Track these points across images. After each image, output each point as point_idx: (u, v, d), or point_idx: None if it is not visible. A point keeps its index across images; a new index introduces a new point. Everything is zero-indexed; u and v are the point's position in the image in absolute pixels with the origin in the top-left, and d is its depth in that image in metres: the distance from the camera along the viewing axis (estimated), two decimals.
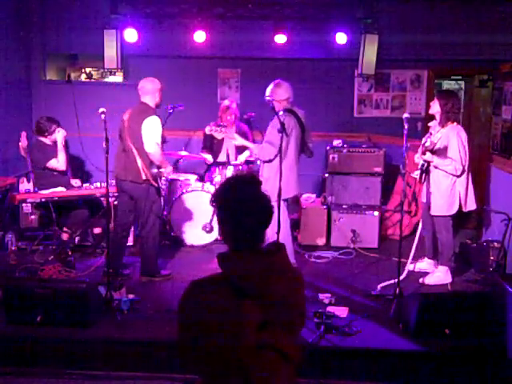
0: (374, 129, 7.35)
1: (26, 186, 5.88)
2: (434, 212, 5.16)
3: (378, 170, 6.49)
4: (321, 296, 4.80)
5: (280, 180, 4.81)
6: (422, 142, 5.08)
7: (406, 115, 4.65)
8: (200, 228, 6.13)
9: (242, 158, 6.40)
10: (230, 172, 6.16)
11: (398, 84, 7.43)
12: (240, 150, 6.42)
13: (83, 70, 8.23)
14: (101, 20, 6.83)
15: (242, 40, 7.01)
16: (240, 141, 5.67)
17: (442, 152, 5.03)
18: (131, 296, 4.62)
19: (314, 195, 6.77)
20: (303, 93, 7.28)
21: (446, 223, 5.15)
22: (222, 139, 6.56)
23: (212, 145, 6.58)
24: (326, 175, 6.59)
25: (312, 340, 4.03)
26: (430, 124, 5.28)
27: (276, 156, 5.12)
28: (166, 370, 3.82)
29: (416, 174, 5.20)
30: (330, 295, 4.80)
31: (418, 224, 5.46)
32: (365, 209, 6.36)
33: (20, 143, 5.87)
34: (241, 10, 6.81)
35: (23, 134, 5.87)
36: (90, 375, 3.90)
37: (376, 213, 6.31)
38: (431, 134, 5.18)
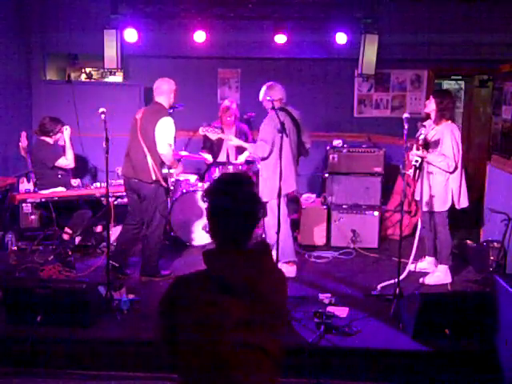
0: (374, 129, 7.36)
1: (26, 185, 5.88)
2: (425, 208, 5.19)
3: (378, 170, 6.49)
4: (321, 296, 4.80)
5: (280, 180, 4.81)
6: (416, 136, 5.12)
7: (405, 115, 4.66)
8: (200, 228, 6.13)
9: (242, 158, 6.39)
10: (230, 172, 6.16)
11: (398, 84, 7.44)
12: (240, 150, 6.41)
13: (83, 70, 8.23)
14: (101, 20, 6.83)
15: (242, 40, 7.01)
16: (236, 141, 5.73)
17: (435, 148, 5.05)
18: (131, 296, 4.62)
19: (313, 195, 6.77)
20: (303, 93, 7.32)
21: (441, 220, 5.17)
22: (222, 140, 6.57)
23: (212, 145, 6.58)
24: (326, 175, 6.59)
25: (312, 340, 4.03)
26: (424, 123, 5.29)
27: (270, 153, 5.20)
28: (166, 370, 3.82)
29: (410, 171, 5.22)
30: (330, 295, 4.81)
31: (417, 224, 5.45)
32: (365, 209, 6.36)
33: (20, 143, 5.87)
34: (241, 10, 6.81)
35: (23, 134, 5.87)
36: (90, 375, 3.91)
37: (376, 213, 6.31)
38: (424, 126, 5.21)
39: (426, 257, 5.53)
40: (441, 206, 5.11)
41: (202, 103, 7.30)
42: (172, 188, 5.88)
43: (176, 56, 7.27)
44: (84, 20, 7.07)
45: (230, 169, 6.21)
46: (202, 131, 5.69)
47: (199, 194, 6.11)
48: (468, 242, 5.86)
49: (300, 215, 6.41)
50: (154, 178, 4.86)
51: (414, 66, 7.34)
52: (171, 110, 6.05)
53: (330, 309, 4.53)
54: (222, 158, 6.54)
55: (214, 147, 6.59)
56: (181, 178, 6.42)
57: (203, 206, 6.00)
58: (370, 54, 6.78)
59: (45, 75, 7.50)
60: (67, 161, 5.80)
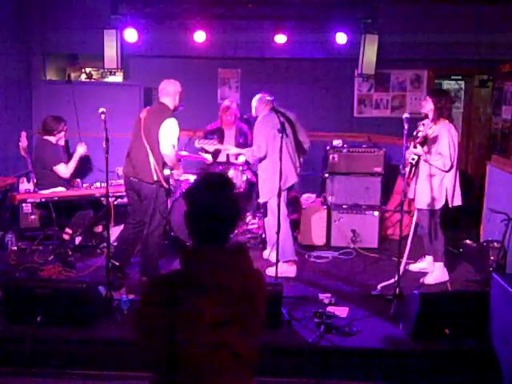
0: (374, 129, 7.35)
1: (26, 185, 5.88)
2: (419, 205, 5.20)
3: (378, 170, 6.49)
4: (321, 296, 4.80)
5: (280, 179, 4.82)
6: (415, 132, 5.14)
7: (405, 115, 4.66)
8: None
9: (243, 157, 6.38)
10: (230, 172, 6.16)
11: (398, 84, 7.44)
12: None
13: (83, 70, 8.24)
14: (101, 20, 6.83)
15: (242, 40, 7.02)
16: (233, 150, 5.86)
17: (432, 147, 5.06)
18: (131, 296, 4.62)
19: (313, 195, 6.76)
20: (303, 93, 7.33)
21: (435, 218, 5.18)
22: (222, 139, 6.58)
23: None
24: (326, 175, 6.59)
25: (312, 340, 4.03)
26: (423, 122, 5.29)
27: (266, 153, 5.26)
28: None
29: (407, 169, 5.22)
30: (330, 295, 4.81)
31: (416, 224, 5.45)
32: (365, 209, 6.36)
33: (20, 143, 5.87)
34: (241, 10, 6.82)
35: (23, 133, 5.87)
36: (90, 375, 3.91)
37: (376, 213, 6.31)
38: (423, 124, 5.22)
39: (426, 256, 5.53)
40: (434, 204, 5.12)
41: (202, 103, 7.30)
42: (172, 188, 5.88)
43: (176, 56, 7.27)
44: (84, 20, 7.07)
45: (231, 169, 6.19)
46: (198, 144, 5.76)
47: None
48: (468, 241, 5.86)
49: (300, 215, 6.41)
50: (155, 178, 4.86)
51: (414, 65, 7.34)
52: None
53: (329, 309, 4.53)
54: (221, 158, 6.54)
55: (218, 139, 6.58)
56: (181, 178, 6.42)
57: None
58: (370, 54, 6.78)
59: (45, 75, 7.50)
60: (66, 169, 5.75)
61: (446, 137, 5.04)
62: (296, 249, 5.62)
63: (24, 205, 5.73)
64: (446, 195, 5.12)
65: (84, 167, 7.12)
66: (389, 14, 6.99)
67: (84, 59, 8.14)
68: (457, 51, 7.04)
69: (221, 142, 6.58)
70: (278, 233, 4.83)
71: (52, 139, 5.84)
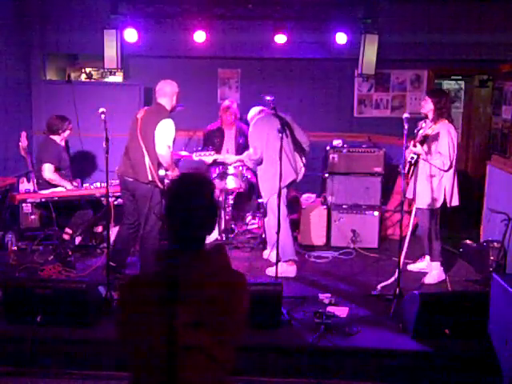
0: (374, 129, 7.35)
1: (26, 185, 5.88)
2: (419, 205, 5.20)
3: (378, 170, 6.49)
4: (321, 296, 4.80)
5: (280, 179, 4.82)
6: (416, 130, 5.16)
7: (405, 115, 4.66)
8: None
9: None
10: (230, 172, 6.15)
11: (398, 84, 7.44)
12: (240, 150, 6.41)
13: (83, 70, 8.23)
14: (101, 20, 6.83)
15: (242, 40, 7.02)
16: (232, 158, 5.93)
17: (431, 146, 5.06)
18: None
19: (313, 195, 6.76)
20: (303, 93, 7.33)
21: (432, 217, 5.18)
22: (223, 139, 6.59)
23: (212, 145, 6.58)
24: (326, 175, 6.59)
25: (312, 340, 4.03)
26: (424, 121, 5.29)
27: (262, 154, 5.30)
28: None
29: (406, 168, 5.22)
30: (329, 295, 4.81)
31: (416, 225, 5.46)
32: (365, 209, 6.36)
33: (20, 143, 5.87)
34: (241, 10, 6.82)
35: (23, 134, 5.86)
36: (90, 375, 3.90)
37: (376, 213, 6.31)
38: (424, 121, 5.22)
39: (426, 256, 5.53)
40: (432, 203, 5.13)
41: (202, 103, 7.30)
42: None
43: (176, 56, 7.28)
44: (84, 20, 7.07)
45: (231, 169, 6.18)
46: (195, 157, 5.78)
47: None
48: (468, 241, 5.86)
49: (300, 215, 6.41)
50: (150, 178, 4.84)
51: (414, 66, 7.34)
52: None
53: (329, 309, 4.53)
54: None
55: (214, 148, 6.58)
56: None
57: None
58: (370, 54, 6.78)
59: (45, 75, 7.50)
60: (49, 173, 5.64)
61: (446, 136, 5.04)
62: (296, 249, 5.62)
63: (24, 205, 5.73)
64: (445, 195, 5.13)
65: (87, 167, 7.13)
66: (389, 14, 6.99)
67: (84, 59, 8.14)
68: (457, 51, 7.04)
69: (221, 142, 6.59)
70: (278, 233, 4.83)
71: (57, 138, 5.84)
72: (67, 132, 5.88)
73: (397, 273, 4.74)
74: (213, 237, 6.14)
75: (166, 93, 4.98)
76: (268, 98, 5.21)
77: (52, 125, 5.83)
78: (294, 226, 6.05)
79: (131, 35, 6.73)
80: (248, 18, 6.92)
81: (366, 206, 6.39)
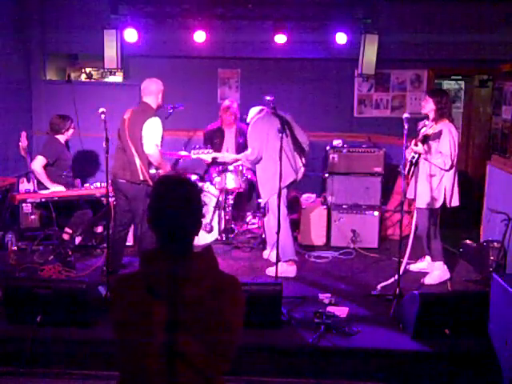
0: (374, 129, 7.35)
1: (26, 185, 5.88)
2: (419, 205, 5.21)
3: (378, 170, 6.48)
4: (321, 296, 4.80)
5: (280, 180, 4.83)
6: (418, 128, 5.16)
7: (406, 115, 4.66)
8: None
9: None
10: (230, 172, 6.15)
11: (398, 84, 7.44)
12: (240, 150, 6.42)
13: (83, 70, 8.23)
14: (101, 20, 6.83)
15: (242, 40, 7.02)
16: (229, 157, 5.94)
17: (432, 146, 5.06)
18: None
19: (313, 195, 6.76)
20: (303, 93, 7.33)
21: (431, 217, 5.18)
22: (223, 139, 6.59)
23: (212, 145, 6.58)
24: (326, 175, 6.59)
25: (312, 340, 4.03)
26: (425, 120, 5.28)
27: (261, 155, 5.29)
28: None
29: (406, 168, 5.22)
30: (329, 295, 4.81)
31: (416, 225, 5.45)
32: (365, 209, 6.36)
33: (20, 143, 5.87)
34: (241, 10, 6.82)
35: (23, 133, 5.86)
36: (90, 375, 3.91)
37: (376, 213, 6.31)
38: (426, 120, 5.22)
39: (426, 256, 5.53)
40: (433, 203, 5.12)
41: (202, 103, 7.30)
42: None
43: (176, 56, 7.28)
44: (84, 20, 7.07)
45: (231, 169, 6.18)
46: (193, 155, 5.78)
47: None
48: (468, 241, 5.86)
49: (300, 215, 6.41)
50: (141, 178, 4.82)
51: (414, 66, 7.34)
52: (171, 110, 6.08)
53: (329, 309, 4.53)
54: (222, 158, 6.53)
55: (214, 148, 6.58)
56: None
57: (203, 206, 5.99)
58: (370, 53, 6.78)
59: (45, 75, 7.50)
60: (39, 167, 5.59)
61: (447, 136, 5.04)
62: (296, 249, 5.62)
63: (24, 205, 5.73)
64: (445, 195, 5.12)
65: (87, 167, 7.14)
66: (389, 13, 7.00)
67: (84, 59, 8.14)
68: (457, 51, 7.04)
69: (221, 142, 6.59)
70: (278, 233, 4.83)
71: (61, 138, 5.84)
72: (70, 131, 5.88)
73: (401, 272, 4.74)
74: (213, 237, 6.14)
75: (152, 91, 4.95)
76: (268, 98, 5.21)
77: (54, 125, 5.82)
78: (294, 226, 6.05)
79: (131, 35, 6.73)
80: (248, 18, 6.92)
81: (366, 205, 6.39)
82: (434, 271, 5.26)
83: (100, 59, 6.90)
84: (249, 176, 6.31)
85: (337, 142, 6.67)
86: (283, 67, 7.34)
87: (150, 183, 4.87)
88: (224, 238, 6.25)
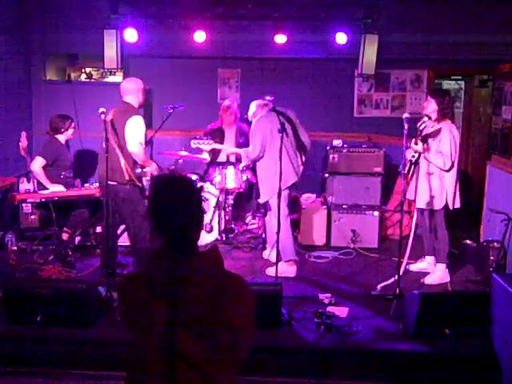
0: (374, 129, 7.36)
1: (26, 185, 5.88)
2: (419, 205, 5.20)
3: (378, 170, 6.48)
4: (321, 296, 4.80)
5: (280, 180, 4.82)
6: (417, 125, 5.11)
7: (406, 115, 4.66)
8: None
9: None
10: (230, 171, 6.14)
11: (398, 84, 7.44)
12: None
13: (83, 70, 8.23)
14: (101, 20, 6.83)
15: (242, 40, 7.02)
16: (230, 149, 5.88)
17: (433, 146, 5.05)
18: None
19: (313, 195, 6.76)
20: (303, 93, 7.33)
21: (437, 218, 5.18)
22: (223, 139, 6.58)
23: None
24: (326, 175, 6.59)
25: (312, 340, 4.03)
26: (424, 118, 5.25)
27: (262, 154, 5.27)
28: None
29: (406, 168, 5.21)
30: (329, 295, 4.81)
31: (416, 225, 5.45)
32: (365, 209, 6.36)
33: (20, 143, 5.87)
34: (241, 10, 6.81)
35: (23, 134, 5.87)
36: (90, 375, 3.91)
37: (376, 213, 6.31)
38: (430, 117, 5.18)
39: (426, 257, 5.53)
40: (436, 204, 5.12)
41: (202, 103, 7.30)
42: (147, 187, 5.82)
43: (176, 56, 7.28)
44: (84, 20, 7.07)
45: (231, 169, 6.17)
46: (193, 144, 5.76)
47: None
48: (468, 241, 5.86)
49: (300, 215, 6.41)
50: (127, 178, 4.79)
51: (414, 66, 7.34)
52: (171, 110, 6.06)
53: (329, 309, 4.53)
54: (221, 158, 6.54)
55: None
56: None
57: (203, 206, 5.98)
58: (370, 54, 6.78)
59: (45, 75, 7.50)
60: (37, 167, 5.61)
61: (448, 136, 5.03)
62: (296, 249, 5.62)
63: (24, 205, 5.73)
64: (446, 197, 5.11)
65: (87, 167, 7.12)
66: (389, 13, 6.99)
67: (84, 59, 8.14)
68: (457, 51, 7.04)
69: (221, 142, 6.58)
70: (278, 233, 4.83)
71: (61, 138, 5.84)
72: (70, 131, 5.87)
73: (401, 272, 4.74)
74: (213, 237, 6.13)
75: (131, 90, 4.92)
76: (268, 97, 5.21)
77: (53, 124, 5.83)
78: (294, 225, 6.04)
79: (131, 35, 6.73)
80: (248, 18, 6.92)
81: (366, 205, 6.39)
82: (435, 272, 5.26)
83: (100, 59, 6.90)
84: (249, 176, 6.31)
85: (337, 142, 6.67)
86: (283, 67, 7.34)
87: (137, 182, 4.85)
88: (224, 238, 6.25)
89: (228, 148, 5.97)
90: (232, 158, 6.48)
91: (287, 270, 5.31)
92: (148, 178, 5.45)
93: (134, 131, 4.76)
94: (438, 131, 5.06)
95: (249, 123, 6.73)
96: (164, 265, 1.89)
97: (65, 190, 5.70)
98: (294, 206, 6.38)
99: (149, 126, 7.35)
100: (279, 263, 4.98)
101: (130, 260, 5.43)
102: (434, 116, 5.14)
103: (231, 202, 6.29)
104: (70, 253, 5.56)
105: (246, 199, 6.85)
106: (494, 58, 6.89)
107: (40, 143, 6.35)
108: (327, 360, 3.98)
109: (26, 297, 4.15)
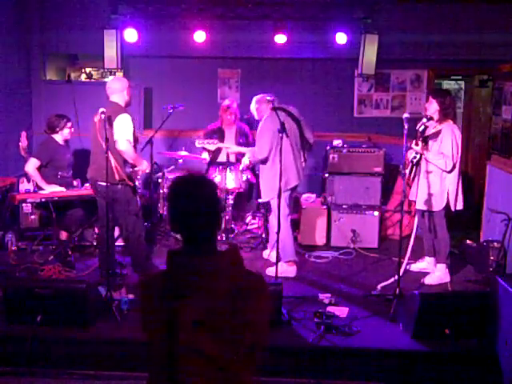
0: (374, 129, 7.36)
1: (26, 185, 5.87)
2: (418, 206, 5.19)
3: (378, 170, 6.48)
4: (321, 296, 4.80)
5: (280, 180, 4.82)
6: (417, 127, 5.09)
7: (405, 115, 4.66)
8: None
9: (246, 161, 6.26)
10: (230, 172, 6.15)
11: (398, 84, 7.44)
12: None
13: (83, 70, 8.23)
14: (101, 20, 6.83)
15: (242, 40, 7.02)
16: (234, 148, 5.87)
17: (434, 146, 5.05)
18: (131, 296, 4.62)
19: (313, 195, 6.76)
20: (303, 93, 7.33)
21: (438, 219, 5.17)
22: (223, 139, 6.58)
23: None
24: (326, 175, 6.59)
25: (312, 340, 4.03)
26: (427, 122, 5.24)
27: (269, 155, 5.22)
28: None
29: (407, 170, 5.20)
30: (329, 295, 4.81)
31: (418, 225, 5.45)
32: (365, 209, 6.36)
33: (20, 143, 5.86)
34: (241, 10, 6.82)
35: (23, 134, 5.86)
36: (90, 375, 3.91)
37: (376, 213, 6.31)
38: (431, 118, 5.16)
39: (425, 257, 5.53)
40: (436, 205, 5.11)
41: (202, 103, 7.30)
42: (139, 186, 5.81)
43: (176, 56, 7.28)
44: (84, 20, 7.07)
45: (231, 169, 6.16)
46: (198, 144, 5.77)
47: None
48: (468, 241, 5.86)
49: (300, 215, 6.41)
50: (117, 177, 4.77)
51: (414, 66, 7.34)
52: (171, 110, 6.07)
53: (329, 309, 4.53)
54: (221, 158, 6.53)
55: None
56: (170, 177, 6.41)
57: None
58: (370, 54, 6.78)
59: (45, 75, 7.50)
60: (32, 168, 5.57)
61: (449, 137, 5.02)
62: (296, 249, 5.62)
63: (24, 205, 5.72)
64: (448, 198, 5.09)
65: (87, 167, 7.11)
66: (389, 13, 6.99)
67: (84, 59, 8.14)
68: (457, 51, 7.04)
69: (221, 142, 6.58)
70: (278, 233, 4.83)
71: (57, 138, 5.78)
72: (66, 130, 5.79)
73: (402, 273, 4.74)
74: None
75: (116, 89, 4.91)
76: (268, 97, 5.20)
77: (49, 123, 5.79)
78: (294, 225, 6.04)
79: (131, 35, 6.73)
80: (248, 18, 6.92)
81: (366, 205, 6.39)
82: (435, 272, 5.25)
83: (100, 59, 6.90)
84: (249, 176, 6.31)
85: (337, 142, 6.67)
86: (283, 67, 7.34)
87: (128, 182, 4.84)
88: (224, 238, 6.25)
89: (233, 147, 5.93)
90: (232, 158, 6.47)
91: (287, 270, 5.31)
92: (139, 176, 5.44)
93: (122, 129, 4.74)
94: (440, 132, 5.05)
95: (249, 123, 6.75)
96: (186, 265, 1.90)
97: (64, 189, 5.69)
98: (294, 206, 6.37)
99: (149, 126, 7.38)
100: (279, 263, 4.98)
101: (128, 260, 5.43)
102: (436, 116, 5.12)
103: (231, 202, 6.29)
104: (70, 253, 5.55)
105: (245, 199, 6.84)
106: (494, 58, 6.88)
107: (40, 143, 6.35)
108: (327, 360, 3.98)
109: (26, 297, 4.15)
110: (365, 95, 7.47)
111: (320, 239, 6.38)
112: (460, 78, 8.72)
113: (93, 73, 8.22)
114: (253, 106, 5.50)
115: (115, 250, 5.30)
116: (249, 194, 6.78)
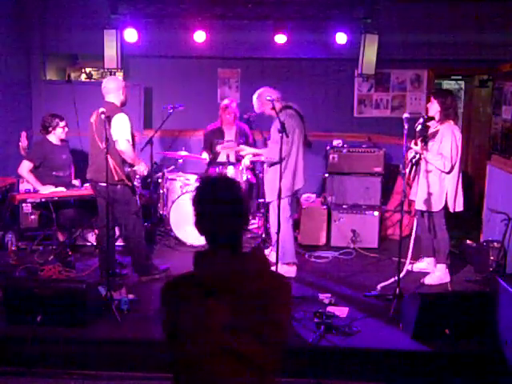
0: (374, 129, 7.36)
1: (26, 186, 5.87)
2: (417, 206, 5.19)
3: (378, 170, 6.49)
4: (321, 296, 4.80)
5: (280, 180, 4.81)
6: (415, 126, 5.06)
7: (406, 115, 4.65)
8: None
9: (247, 161, 6.26)
10: (230, 172, 6.14)
11: (398, 84, 7.44)
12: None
13: (83, 70, 8.24)
14: (101, 20, 6.83)
15: (242, 40, 7.02)
16: (249, 150, 5.71)
17: (433, 146, 5.05)
18: (131, 296, 4.62)
19: (314, 195, 6.76)
20: (303, 93, 7.32)
21: (437, 219, 5.17)
22: (223, 139, 6.58)
23: (212, 145, 6.59)
24: (326, 175, 6.59)
25: (312, 340, 4.03)
26: (421, 118, 5.22)
27: (283, 156, 5.14)
28: (166, 369, 3.82)
29: (407, 169, 5.20)
30: (330, 295, 4.80)
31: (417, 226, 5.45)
32: (365, 209, 6.36)
33: (20, 143, 5.86)
34: (241, 10, 6.81)
35: (23, 133, 5.86)
36: (90, 375, 3.90)
37: (376, 213, 6.31)
38: (427, 118, 5.14)
39: (425, 257, 5.53)
40: (436, 205, 5.10)
41: (202, 103, 7.31)
42: (138, 185, 5.81)
43: (176, 56, 7.28)
44: (84, 20, 7.07)
45: (231, 169, 6.16)
46: (219, 149, 5.86)
47: None
48: (468, 241, 5.86)
49: (300, 215, 6.41)
50: (116, 178, 4.77)
51: (414, 66, 7.34)
52: (171, 110, 6.07)
53: (329, 309, 4.53)
54: (221, 158, 6.54)
55: (214, 148, 6.59)
56: (181, 178, 6.42)
57: None
58: (370, 54, 6.78)
59: (45, 75, 7.50)
60: (25, 171, 5.56)
61: (449, 138, 5.01)
62: (296, 249, 5.61)
63: (24, 205, 5.71)
64: (446, 199, 5.09)
65: (87, 167, 7.11)
66: (389, 13, 6.99)
67: (84, 59, 8.14)
68: (457, 51, 7.04)
69: (221, 142, 6.59)
70: (277, 233, 4.82)
71: (52, 138, 5.73)
72: (59, 130, 5.69)
73: (403, 273, 4.73)
74: None
75: (111, 89, 4.91)
76: (268, 98, 5.19)
77: (42, 123, 5.73)
78: (294, 226, 6.04)
79: (131, 35, 6.73)
80: (248, 18, 6.92)
81: (366, 205, 6.39)
82: (435, 272, 5.25)
83: (100, 59, 6.90)
84: (249, 176, 6.31)
85: (337, 142, 6.67)
86: (283, 67, 7.34)
87: (127, 182, 4.83)
88: None
89: (248, 149, 5.79)
90: (232, 158, 6.47)
91: (287, 270, 5.30)
92: (138, 176, 5.44)
93: (120, 129, 4.74)
94: (440, 133, 5.04)
95: (249, 123, 6.75)
96: (218, 266, 1.90)
97: (64, 189, 5.69)
98: (294, 206, 6.37)
99: (149, 126, 7.38)
100: (279, 264, 4.97)
101: (128, 260, 5.43)
102: (437, 117, 5.12)
103: None
104: (70, 253, 5.56)
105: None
106: (494, 57, 6.89)
107: None
108: (327, 360, 3.98)
109: (26, 297, 4.15)
110: (365, 95, 7.47)
111: (320, 239, 6.38)
112: (460, 78, 8.73)
113: (93, 73, 8.22)
114: (255, 98, 5.43)
115: (115, 249, 5.30)
116: (249, 194, 6.78)
